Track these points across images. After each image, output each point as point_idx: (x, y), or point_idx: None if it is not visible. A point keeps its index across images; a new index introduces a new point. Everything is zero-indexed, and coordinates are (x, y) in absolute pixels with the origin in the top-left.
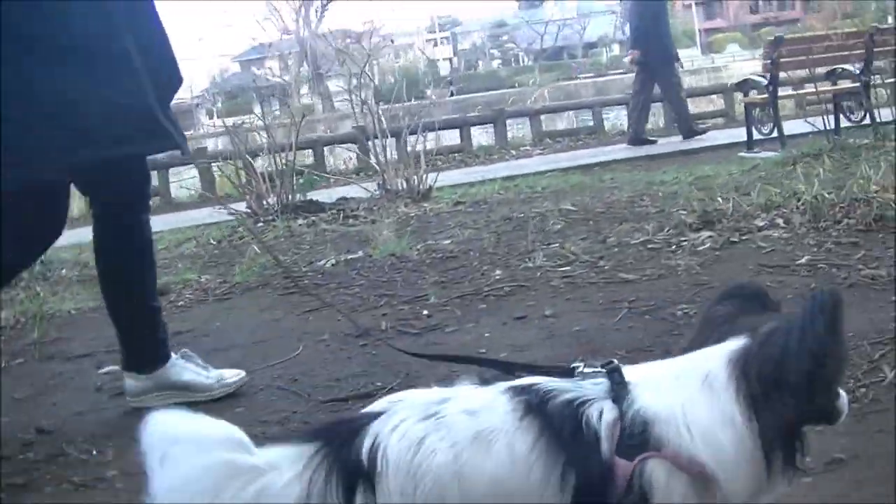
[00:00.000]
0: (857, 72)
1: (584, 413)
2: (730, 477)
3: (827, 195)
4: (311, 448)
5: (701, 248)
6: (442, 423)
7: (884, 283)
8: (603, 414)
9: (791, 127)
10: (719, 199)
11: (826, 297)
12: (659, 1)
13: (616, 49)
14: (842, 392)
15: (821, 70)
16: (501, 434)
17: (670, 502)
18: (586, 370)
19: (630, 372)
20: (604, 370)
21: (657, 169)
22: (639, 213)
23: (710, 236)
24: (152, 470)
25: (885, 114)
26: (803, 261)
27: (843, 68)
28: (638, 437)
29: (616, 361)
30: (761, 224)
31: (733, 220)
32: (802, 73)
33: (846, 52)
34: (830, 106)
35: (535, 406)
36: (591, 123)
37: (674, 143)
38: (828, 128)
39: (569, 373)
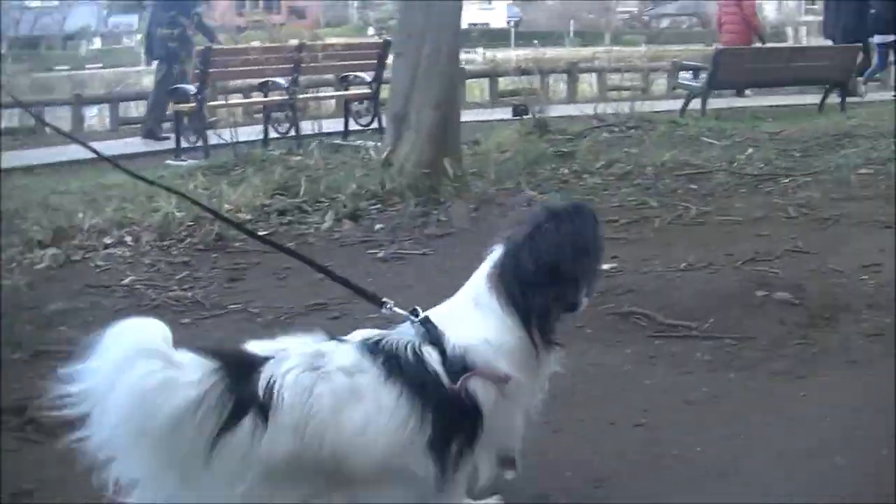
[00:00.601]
0: (286, 85)
1: (423, 360)
2: (517, 369)
3: (178, 213)
4: (213, 364)
5: (39, 266)
6: (326, 377)
7: (187, 305)
8: (433, 356)
9: (240, 135)
10: (80, 214)
11: (578, 207)
12: None
13: (98, 42)
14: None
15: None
16: (370, 390)
17: (489, 403)
18: (395, 309)
19: (432, 315)
20: (417, 319)
21: (76, 176)
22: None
23: (54, 254)
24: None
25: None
26: (126, 281)
27: (273, 81)
28: (458, 366)
29: (420, 310)
30: (109, 241)
31: (86, 235)
32: (254, 82)
33: (273, 66)
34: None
35: (395, 367)
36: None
37: (127, 144)
38: (236, 140)
39: (379, 302)
